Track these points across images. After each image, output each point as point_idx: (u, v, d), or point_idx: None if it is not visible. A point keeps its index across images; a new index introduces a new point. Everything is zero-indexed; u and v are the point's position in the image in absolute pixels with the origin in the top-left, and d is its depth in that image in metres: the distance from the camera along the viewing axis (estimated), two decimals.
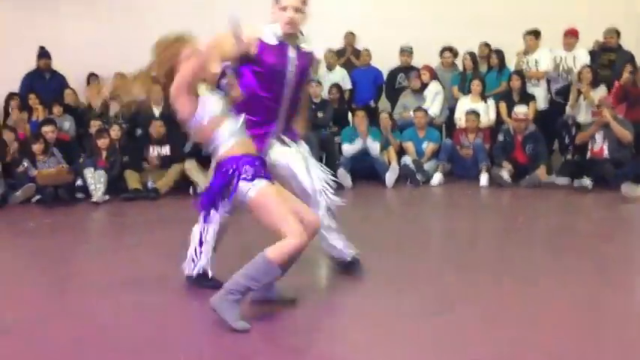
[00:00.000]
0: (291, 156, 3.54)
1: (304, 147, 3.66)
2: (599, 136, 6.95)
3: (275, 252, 2.95)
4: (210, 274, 3.53)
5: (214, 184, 3.13)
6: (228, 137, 3.09)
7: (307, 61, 3.56)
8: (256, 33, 3.38)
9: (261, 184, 3.00)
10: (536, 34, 7.99)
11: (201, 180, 7.00)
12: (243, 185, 2.99)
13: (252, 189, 2.99)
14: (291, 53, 3.44)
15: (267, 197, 3.00)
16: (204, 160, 7.22)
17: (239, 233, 3.99)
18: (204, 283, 3.55)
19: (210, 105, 3.09)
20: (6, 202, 6.78)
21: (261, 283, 3.00)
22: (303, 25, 3.47)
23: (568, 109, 7.65)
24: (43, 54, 8.94)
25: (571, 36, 7.95)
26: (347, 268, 3.85)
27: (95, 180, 6.84)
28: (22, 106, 8.41)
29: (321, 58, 8.62)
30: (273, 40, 3.40)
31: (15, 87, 8.81)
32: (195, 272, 3.59)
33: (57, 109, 8.24)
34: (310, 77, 3.72)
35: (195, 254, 3.58)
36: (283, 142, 3.55)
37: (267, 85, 3.42)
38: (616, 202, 5.99)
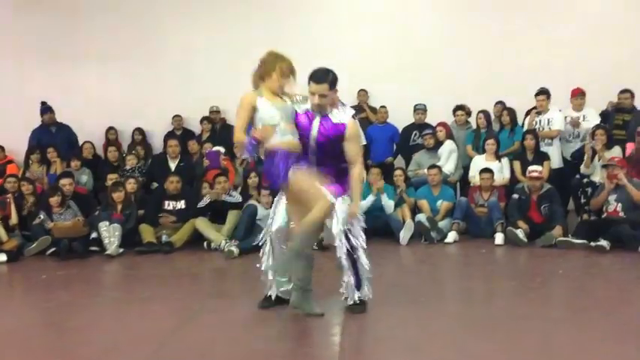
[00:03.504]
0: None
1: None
2: (612, 198, 6.91)
3: None
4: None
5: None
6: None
7: (335, 129, 4.10)
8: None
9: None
10: (547, 94, 8.07)
11: (213, 235, 7.01)
12: None
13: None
14: (316, 121, 4.10)
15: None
16: (215, 217, 7.28)
17: None
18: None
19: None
20: (21, 254, 6.81)
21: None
22: (331, 104, 4.12)
23: (582, 168, 7.63)
24: (46, 109, 9.14)
25: (579, 96, 8.01)
26: (348, 306, 4.23)
27: (110, 233, 6.86)
28: (41, 159, 8.56)
29: None
30: (302, 110, 4.15)
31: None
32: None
33: (75, 163, 8.37)
34: (347, 146, 4.19)
35: None
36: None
37: (302, 143, 4.14)
38: (634, 263, 5.89)
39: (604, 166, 7.12)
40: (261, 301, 4.37)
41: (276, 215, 4.27)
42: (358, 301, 4.23)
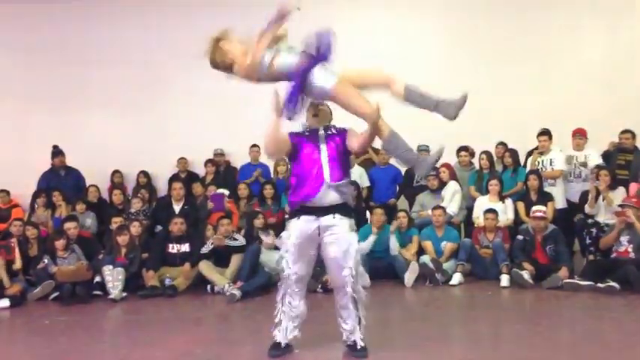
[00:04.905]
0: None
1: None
2: (624, 238, 6.87)
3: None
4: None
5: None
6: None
7: (340, 140, 4.36)
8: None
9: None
10: (549, 135, 8.11)
11: (217, 278, 6.98)
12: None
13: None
14: (322, 146, 4.29)
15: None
16: (219, 261, 7.25)
17: None
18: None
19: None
20: (24, 298, 6.78)
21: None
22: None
23: (587, 208, 7.61)
24: (57, 152, 9.26)
25: (580, 136, 8.04)
26: (350, 350, 4.18)
27: (113, 277, 6.84)
28: (47, 203, 8.60)
29: None
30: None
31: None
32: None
33: (80, 206, 8.39)
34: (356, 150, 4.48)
35: None
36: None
37: (314, 170, 4.22)
38: None
39: (620, 206, 7.09)
40: (270, 348, 4.26)
41: (296, 261, 4.14)
42: (359, 345, 4.15)
